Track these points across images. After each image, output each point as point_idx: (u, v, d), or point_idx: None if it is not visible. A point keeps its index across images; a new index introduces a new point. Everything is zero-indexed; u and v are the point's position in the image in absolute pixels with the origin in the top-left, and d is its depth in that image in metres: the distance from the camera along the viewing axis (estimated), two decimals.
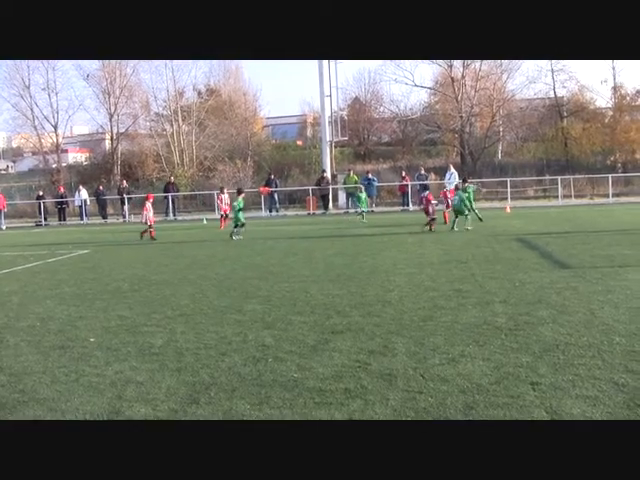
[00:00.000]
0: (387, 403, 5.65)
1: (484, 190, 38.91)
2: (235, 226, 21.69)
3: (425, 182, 36.52)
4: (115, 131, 54.69)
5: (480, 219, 22.93)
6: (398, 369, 6.59)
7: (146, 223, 23.27)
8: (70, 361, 7.59)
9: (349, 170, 39.83)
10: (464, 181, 22.10)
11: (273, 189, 37.21)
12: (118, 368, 7.16)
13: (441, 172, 40.25)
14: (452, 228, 20.85)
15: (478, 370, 6.41)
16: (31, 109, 54.30)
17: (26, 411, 5.95)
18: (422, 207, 21.37)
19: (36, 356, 7.91)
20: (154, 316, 9.80)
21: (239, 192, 23.10)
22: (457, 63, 48.71)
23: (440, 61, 48.36)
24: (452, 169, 35.87)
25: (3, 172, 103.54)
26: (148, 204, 23.52)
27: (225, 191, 27.79)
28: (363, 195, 27.81)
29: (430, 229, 20.95)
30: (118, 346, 8.13)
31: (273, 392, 6.08)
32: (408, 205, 35.34)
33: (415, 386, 6.05)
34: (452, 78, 49.56)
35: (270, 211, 36.91)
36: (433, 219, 21.16)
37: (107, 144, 58.82)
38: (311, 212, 36.58)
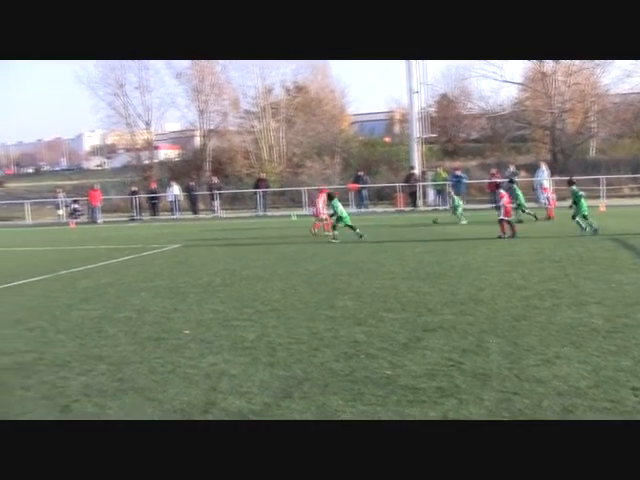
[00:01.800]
0: (481, 403, 5.58)
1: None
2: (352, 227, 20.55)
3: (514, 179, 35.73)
4: (205, 128, 55.76)
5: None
6: (492, 369, 6.50)
7: (317, 216, 23.39)
8: (166, 352, 7.77)
9: (438, 167, 39.47)
10: (571, 183, 20.73)
11: (361, 186, 37.21)
12: (212, 360, 7.29)
13: (531, 170, 39.38)
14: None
15: (575, 373, 6.25)
16: (125, 107, 56.00)
17: (125, 399, 6.12)
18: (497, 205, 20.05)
19: (133, 346, 8.14)
20: (246, 310, 9.94)
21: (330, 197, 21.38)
22: None
23: None
24: (543, 166, 35.03)
25: (98, 168, 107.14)
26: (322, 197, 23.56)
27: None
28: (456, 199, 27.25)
29: (504, 232, 19.04)
30: (211, 339, 8.28)
31: (366, 389, 6.08)
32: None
33: (510, 387, 5.95)
34: (543, 73, 48.50)
35: (359, 207, 36.93)
36: (503, 220, 19.39)
37: (197, 141, 60.02)
38: (400, 209, 36.42)
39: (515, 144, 56.02)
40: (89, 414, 5.79)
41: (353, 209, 36.47)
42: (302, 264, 15.08)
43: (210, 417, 5.57)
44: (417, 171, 38.98)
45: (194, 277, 13.73)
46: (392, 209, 36.87)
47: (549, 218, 24.44)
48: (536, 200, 32.53)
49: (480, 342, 7.51)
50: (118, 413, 5.78)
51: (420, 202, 37.65)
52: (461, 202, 26.49)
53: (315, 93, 58.61)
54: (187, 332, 8.70)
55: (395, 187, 38.05)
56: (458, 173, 36.44)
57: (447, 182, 36.28)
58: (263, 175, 41.95)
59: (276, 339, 8.11)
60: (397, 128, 66.66)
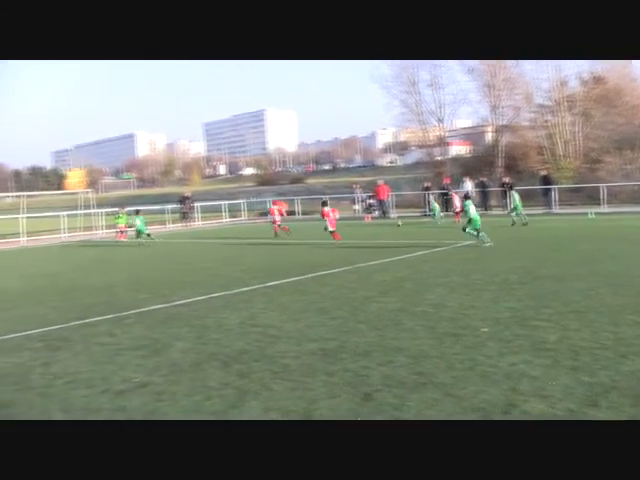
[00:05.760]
0: None
1: None
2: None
3: None
4: (497, 123, 55.05)
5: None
6: None
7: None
8: (464, 349, 7.78)
9: None
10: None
11: None
12: (512, 360, 7.16)
13: None
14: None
15: None
16: (417, 105, 56.87)
17: (425, 393, 6.21)
18: None
19: (431, 341, 8.24)
20: (544, 310, 9.65)
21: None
22: None
23: None
24: None
25: (391, 165, 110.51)
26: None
27: None
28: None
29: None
30: (510, 338, 8.15)
31: None
32: None
33: None
34: None
35: None
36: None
37: (489, 136, 59.51)
38: None
39: None
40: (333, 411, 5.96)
41: None
42: (602, 264, 14.31)
43: (509, 418, 5.47)
44: None
45: (488, 274, 13.60)
46: None
47: None
48: None
49: None
50: (418, 406, 5.87)
51: None
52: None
53: (614, 83, 55.32)
54: (485, 330, 8.64)
55: None
56: None
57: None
58: (544, 172, 40.82)
59: (578, 342, 7.77)
60: None
